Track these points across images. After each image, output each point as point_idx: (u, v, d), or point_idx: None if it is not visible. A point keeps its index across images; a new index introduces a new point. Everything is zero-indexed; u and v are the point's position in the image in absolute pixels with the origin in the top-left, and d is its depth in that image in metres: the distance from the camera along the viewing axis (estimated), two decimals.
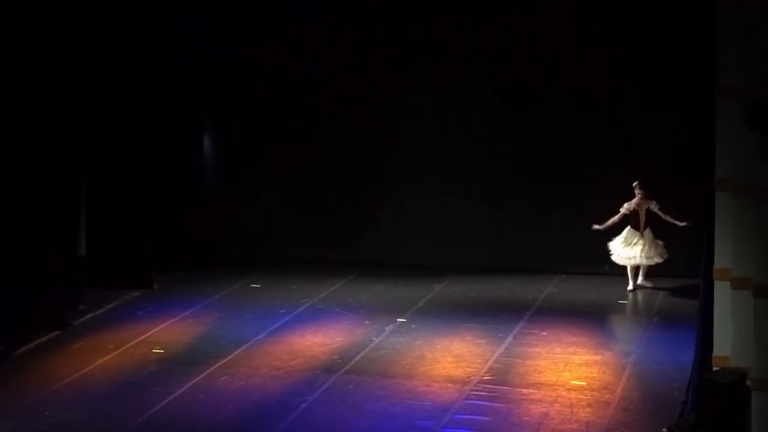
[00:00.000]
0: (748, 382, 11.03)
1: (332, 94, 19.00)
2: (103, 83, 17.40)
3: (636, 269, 17.58)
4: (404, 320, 16.22)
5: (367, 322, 16.19)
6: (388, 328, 15.85)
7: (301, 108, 19.13)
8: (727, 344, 11.35)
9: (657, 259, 17.44)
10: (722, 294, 11.40)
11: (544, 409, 12.85)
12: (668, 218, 17.12)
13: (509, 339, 15.37)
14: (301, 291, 17.71)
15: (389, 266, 18.69)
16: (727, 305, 11.30)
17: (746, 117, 10.56)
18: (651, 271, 17.65)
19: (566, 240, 18.19)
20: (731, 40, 11.08)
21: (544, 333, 15.60)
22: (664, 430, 12.10)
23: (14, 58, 15.56)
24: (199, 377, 13.99)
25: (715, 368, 11.54)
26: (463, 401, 13.14)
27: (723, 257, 11.42)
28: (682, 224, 16.84)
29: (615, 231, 17.53)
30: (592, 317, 16.34)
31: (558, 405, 12.98)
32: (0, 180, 15.64)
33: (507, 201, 18.55)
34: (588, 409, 12.85)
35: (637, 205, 17.33)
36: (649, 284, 17.61)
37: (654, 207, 17.28)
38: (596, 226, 17.35)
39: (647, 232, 17.38)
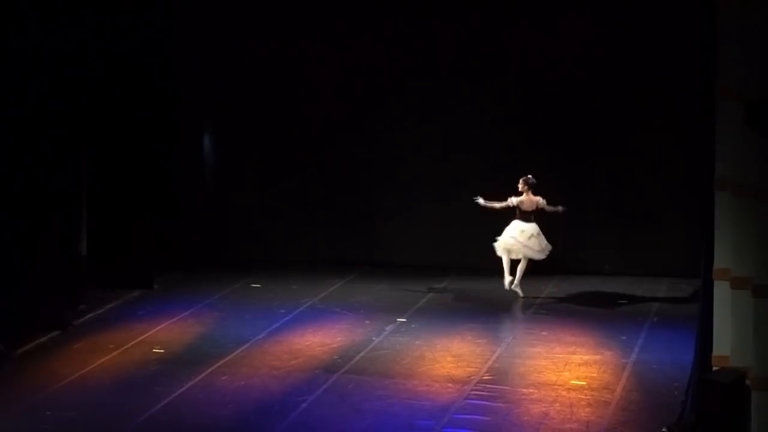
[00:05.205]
0: (748, 382, 11.04)
1: (333, 95, 19.00)
2: (103, 84, 17.41)
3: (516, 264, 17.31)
4: (404, 320, 16.22)
5: (367, 322, 16.18)
6: (388, 328, 15.85)
7: (301, 108, 19.12)
8: (726, 344, 11.35)
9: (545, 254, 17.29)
10: (722, 294, 11.40)
11: (544, 409, 12.85)
12: (551, 209, 17.08)
13: (509, 339, 15.38)
14: (301, 291, 17.71)
15: (389, 266, 18.70)
16: (726, 305, 11.31)
17: (747, 117, 10.57)
18: (652, 270, 17.59)
19: (566, 240, 18.17)
20: (731, 41, 11.09)
21: (544, 333, 15.60)
22: (664, 429, 12.10)
23: (15, 60, 15.55)
24: (199, 377, 13.98)
25: (714, 368, 11.55)
26: (463, 401, 13.14)
27: (723, 257, 11.42)
28: (562, 210, 16.91)
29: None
30: (592, 317, 16.34)
31: (558, 405, 12.98)
32: (1, 180, 15.64)
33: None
34: (588, 409, 12.85)
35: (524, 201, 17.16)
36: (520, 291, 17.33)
37: (542, 203, 17.12)
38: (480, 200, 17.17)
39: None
